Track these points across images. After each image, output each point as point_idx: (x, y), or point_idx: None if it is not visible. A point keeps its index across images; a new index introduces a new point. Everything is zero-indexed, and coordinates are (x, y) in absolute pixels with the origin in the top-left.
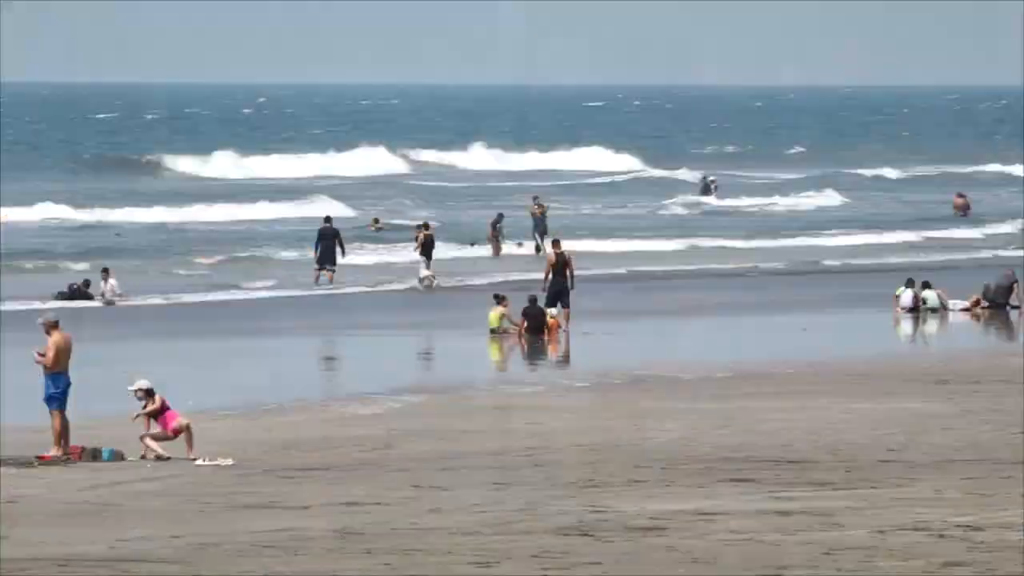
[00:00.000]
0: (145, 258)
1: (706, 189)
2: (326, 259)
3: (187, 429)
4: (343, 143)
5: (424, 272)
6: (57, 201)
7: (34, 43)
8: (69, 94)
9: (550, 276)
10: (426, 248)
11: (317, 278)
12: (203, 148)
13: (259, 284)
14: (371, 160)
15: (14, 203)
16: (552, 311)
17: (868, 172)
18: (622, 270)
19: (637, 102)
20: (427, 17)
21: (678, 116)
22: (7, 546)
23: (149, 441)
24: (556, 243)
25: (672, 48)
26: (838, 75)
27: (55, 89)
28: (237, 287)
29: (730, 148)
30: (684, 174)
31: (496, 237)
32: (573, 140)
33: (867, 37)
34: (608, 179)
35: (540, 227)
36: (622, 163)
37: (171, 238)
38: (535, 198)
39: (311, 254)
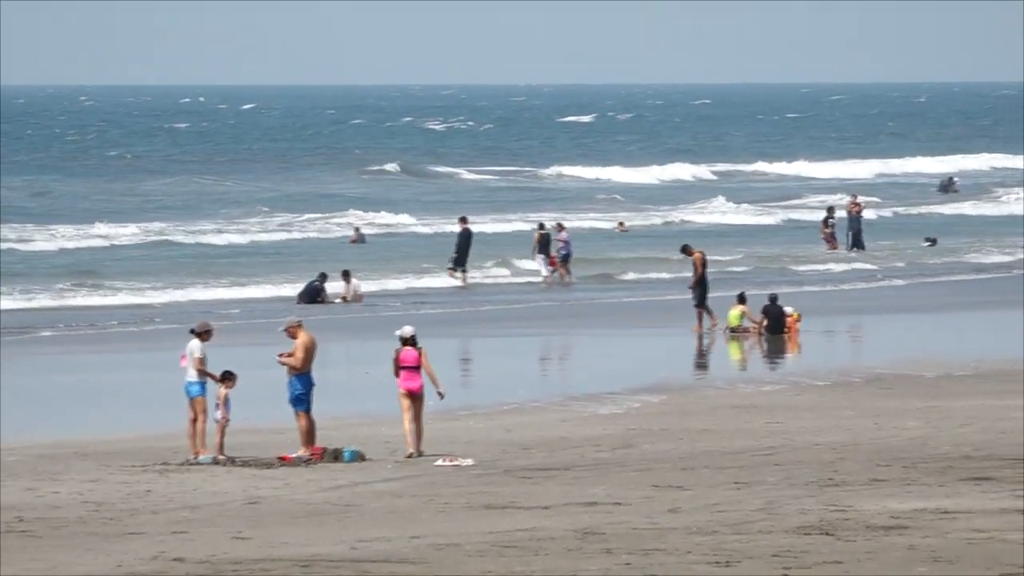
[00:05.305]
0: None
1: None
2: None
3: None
4: None
5: (544, 271)
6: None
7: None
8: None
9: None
10: (543, 247)
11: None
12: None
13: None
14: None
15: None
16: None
17: None
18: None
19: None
20: None
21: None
22: (249, 546)
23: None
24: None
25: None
26: None
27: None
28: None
29: None
30: None
31: (831, 234)
32: None
33: None
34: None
35: (854, 226)
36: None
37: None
38: (853, 196)
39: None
